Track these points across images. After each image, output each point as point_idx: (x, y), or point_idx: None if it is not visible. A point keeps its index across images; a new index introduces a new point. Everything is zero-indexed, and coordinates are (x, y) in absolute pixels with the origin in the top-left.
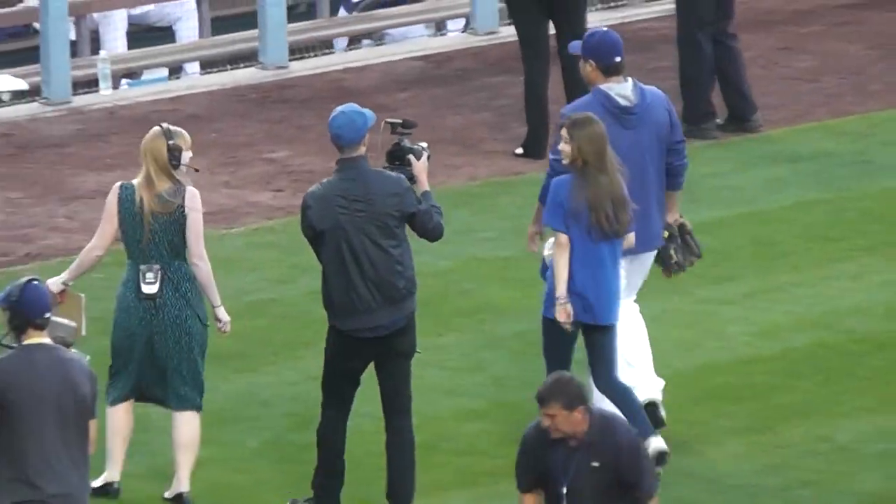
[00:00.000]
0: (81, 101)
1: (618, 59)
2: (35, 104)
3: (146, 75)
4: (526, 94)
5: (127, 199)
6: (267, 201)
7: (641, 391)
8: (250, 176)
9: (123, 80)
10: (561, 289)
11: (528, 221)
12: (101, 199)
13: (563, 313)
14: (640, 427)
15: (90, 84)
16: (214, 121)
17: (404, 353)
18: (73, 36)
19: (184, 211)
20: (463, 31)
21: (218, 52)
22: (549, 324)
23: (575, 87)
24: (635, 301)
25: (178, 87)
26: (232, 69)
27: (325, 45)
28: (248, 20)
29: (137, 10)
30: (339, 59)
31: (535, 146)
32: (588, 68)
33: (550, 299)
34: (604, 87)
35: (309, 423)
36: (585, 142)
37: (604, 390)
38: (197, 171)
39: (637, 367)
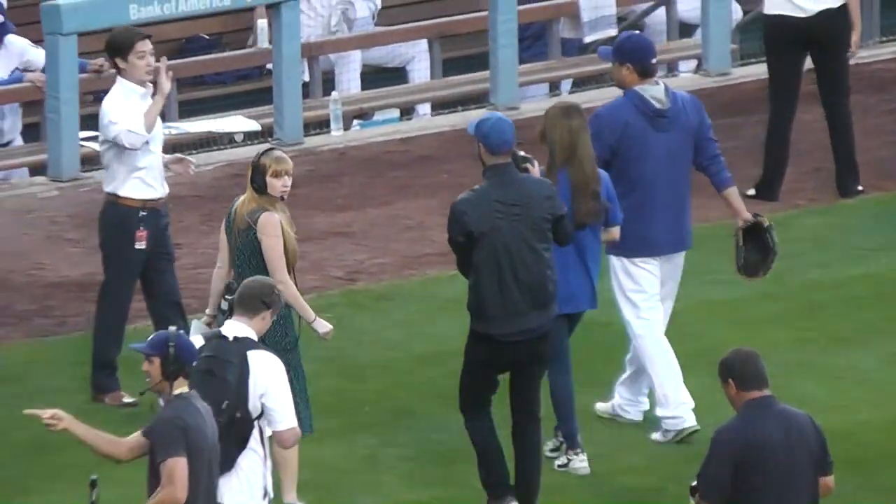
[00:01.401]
0: (313, 141)
1: (654, 60)
2: (267, 145)
3: (377, 116)
4: (768, 133)
5: (230, 214)
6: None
7: (686, 420)
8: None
9: (355, 121)
10: None
11: None
12: (332, 239)
13: None
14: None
15: (321, 125)
16: (445, 162)
17: (544, 359)
18: (305, 77)
19: (257, 235)
20: (695, 73)
21: (449, 92)
22: None
23: (840, 130)
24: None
25: (410, 128)
26: (463, 110)
27: (555, 86)
28: (480, 61)
29: (370, 52)
30: (574, 100)
31: (768, 188)
32: (624, 71)
33: None
34: (637, 88)
35: None
36: (551, 132)
37: (558, 381)
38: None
39: (672, 399)
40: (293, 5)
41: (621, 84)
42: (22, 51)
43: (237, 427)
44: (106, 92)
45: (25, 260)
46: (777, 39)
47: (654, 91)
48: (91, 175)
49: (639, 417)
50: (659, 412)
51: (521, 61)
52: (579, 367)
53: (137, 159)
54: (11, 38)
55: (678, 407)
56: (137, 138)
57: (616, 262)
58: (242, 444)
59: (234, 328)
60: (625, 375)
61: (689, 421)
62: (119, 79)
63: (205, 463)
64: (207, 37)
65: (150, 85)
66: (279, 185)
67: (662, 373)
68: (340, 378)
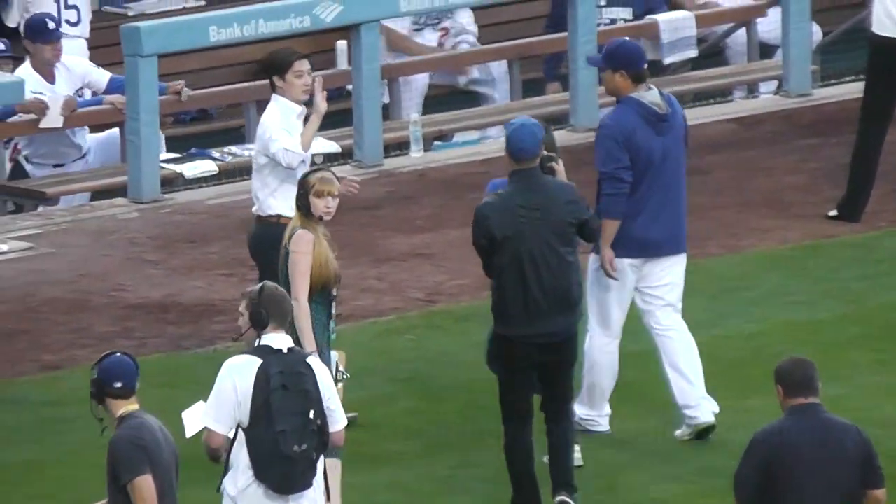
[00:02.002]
0: (392, 163)
1: (645, 65)
2: (347, 166)
3: (457, 138)
4: (855, 154)
5: None
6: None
7: (702, 412)
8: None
9: (434, 143)
10: None
11: (840, 284)
12: (411, 261)
13: None
14: None
15: (401, 146)
16: None
17: (570, 362)
18: (385, 98)
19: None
20: (775, 94)
21: (528, 114)
22: None
23: None
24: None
25: (489, 149)
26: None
27: None
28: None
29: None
30: None
31: (851, 209)
32: (617, 78)
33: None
34: (634, 95)
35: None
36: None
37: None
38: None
39: (695, 385)
40: (372, 27)
41: (616, 91)
42: (85, 73)
43: (321, 434)
44: (184, 114)
45: (106, 281)
46: (882, 61)
47: (651, 96)
48: (171, 196)
49: (709, 418)
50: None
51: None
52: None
53: (293, 178)
54: (75, 61)
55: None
56: (294, 157)
57: (595, 260)
58: (324, 449)
59: (281, 340)
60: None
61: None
62: (275, 96)
63: (165, 479)
64: None
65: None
66: (322, 205)
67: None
68: (419, 399)
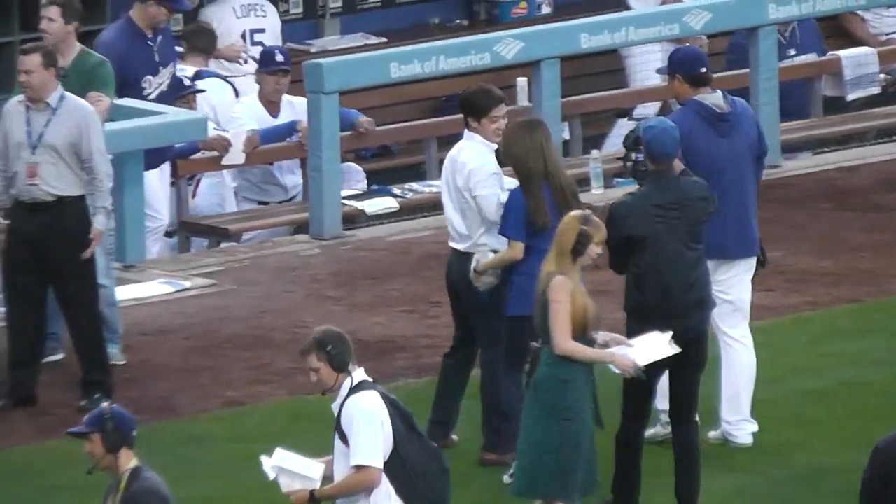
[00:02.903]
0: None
1: (703, 69)
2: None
3: None
4: None
5: None
6: (757, 301)
7: (742, 433)
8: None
9: (615, 179)
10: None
11: None
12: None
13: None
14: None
15: (581, 183)
16: None
17: (700, 363)
18: (566, 135)
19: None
20: None
21: None
22: (515, 322)
23: None
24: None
25: None
26: None
27: (819, 144)
28: None
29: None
30: (834, 158)
31: None
32: (676, 83)
33: (518, 298)
34: (696, 97)
35: None
36: (510, 147)
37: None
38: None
39: (743, 403)
40: (553, 63)
41: (678, 96)
42: (305, 111)
43: None
44: (364, 150)
45: (287, 318)
46: None
47: (713, 98)
48: (353, 233)
49: (747, 440)
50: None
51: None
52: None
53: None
54: (301, 99)
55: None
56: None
57: None
58: None
59: (365, 374)
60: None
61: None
62: (470, 133)
63: None
64: None
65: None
66: (595, 252)
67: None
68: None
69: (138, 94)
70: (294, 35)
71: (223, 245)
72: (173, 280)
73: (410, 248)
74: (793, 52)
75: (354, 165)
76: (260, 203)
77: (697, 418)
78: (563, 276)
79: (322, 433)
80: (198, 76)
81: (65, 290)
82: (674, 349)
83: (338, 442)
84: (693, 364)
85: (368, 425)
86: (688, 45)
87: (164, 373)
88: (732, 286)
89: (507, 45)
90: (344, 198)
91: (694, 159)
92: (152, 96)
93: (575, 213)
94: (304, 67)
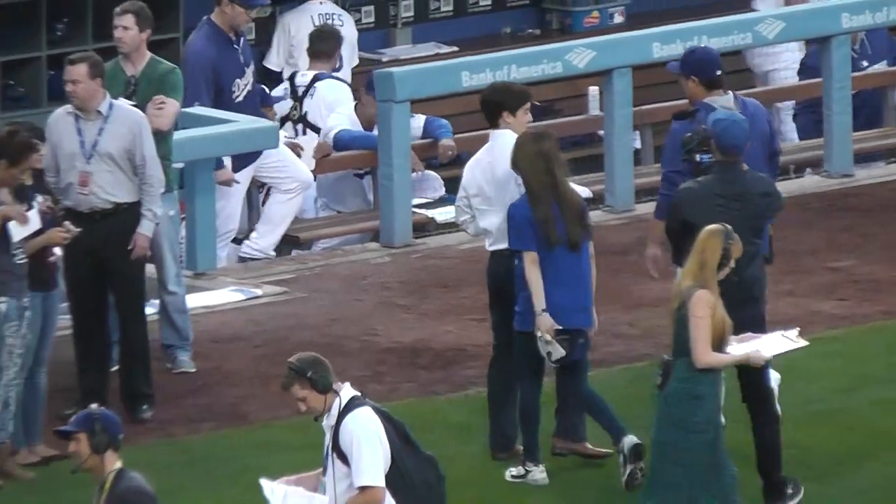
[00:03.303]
0: (644, 209)
1: (718, 72)
2: (599, 212)
3: None
4: None
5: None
6: (830, 310)
7: None
8: (814, 285)
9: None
10: (539, 302)
11: None
12: (664, 306)
13: (544, 325)
14: (613, 430)
15: (652, 192)
16: (778, 228)
17: None
18: (637, 144)
19: (687, 311)
20: None
21: (785, 159)
22: (524, 337)
23: None
24: None
25: None
26: (796, 177)
27: (892, 154)
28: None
29: None
30: None
31: None
32: (690, 84)
33: (526, 313)
34: (707, 100)
35: None
36: (520, 159)
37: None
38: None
39: None
40: (625, 72)
41: (690, 98)
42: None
43: None
44: (434, 158)
45: (358, 326)
46: None
47: (723, 101)
48: (423, 241)
49: None
50: None
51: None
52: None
53: None
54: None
55: None
56: None
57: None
58: None
59: (352, 389)
60: None
61: None
62: (501, 131)
63: None
64: (539, 104)
65: None
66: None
67: None
68: None
69: (228, 97)
70: (366, 44)
71: (294, 253)
72: (244, 288)
73: (480, 257)
74: (865, 63)
75: (432, 173)
76: (339, 213)
77: (779, 410)
78: (705, 290)
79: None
80: (316, 79)
81: (119, 298)
82: (800, 342)
83: (337, 463)
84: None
85: (369, 444)
86: (703, 46)
87: (235, 380)
88: None
89: (579, 54)
90: (414, 206)
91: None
92: (240, 98)
93: (716, 228)
94: (376, 76)
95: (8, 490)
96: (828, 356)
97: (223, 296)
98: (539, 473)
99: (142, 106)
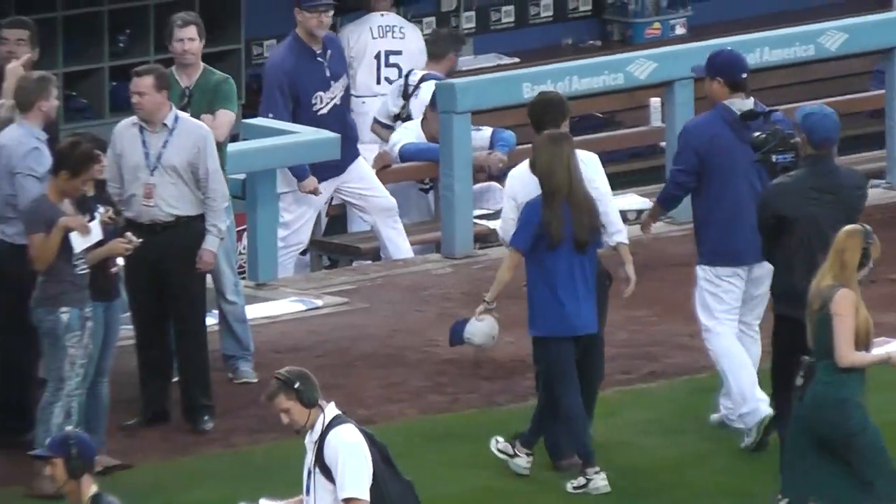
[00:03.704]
0: None
1: (744, 75)
2: (660, 224)
3: None
4: None
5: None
6: (893, 322)
7: (762, 410)
8: (876, 296)
9: None
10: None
11: None
12: None
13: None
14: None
15: None
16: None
17: None
18: None
19: (829, 311)
20: None
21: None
22: (544, 343)
23: None
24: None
25: None
26: None
27: None
28: (877, 140)
29: None
30: None
31: None
32: (715, 85)
33: (535, 317)
34: (726, 102)
35: None
36: (538, 160)
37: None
38: None
39: (748, 395)
40: (686, 84)
41: (712, 98)
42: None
43: None
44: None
45: (419, 337)
46: None
47: (742, 105)
48: (485, 252)
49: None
50: (739, 410)
51: None
52: None
53: None
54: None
55: (754, 402)
56: None
57: (700, 272)
58: None
59: (336, 409)
60: (724, 388)
61: (765, 410)
62: None
63: None
64: (600, 115)
65: None
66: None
67: (736, 373)
68: (733, 457)
69: (309, 111)
70: None
71: (355, 264)
72: (305, 298)
73: None
74: None
75: (496, 184)
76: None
77: None
78: (847, 289)
79: (453, 452)
80: (423, 79)
81: (179, 310)
82: None
83: (320, 478)
84: None
85: (354, 458)
86: (729, 49)
87: None
88: (764, 284)
89: (641, 65)
90: (476, 217)
91: (715, 162)
92: (324, 111)
93: (855, 228)
94: (437, 87)
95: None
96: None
97: (284, 306)
98: (601, 481)
99: (196, 117)
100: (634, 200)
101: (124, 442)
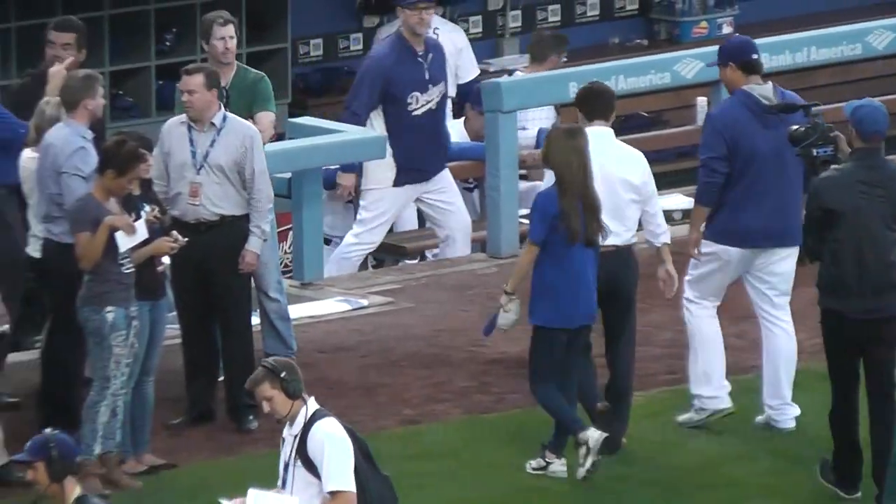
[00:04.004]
0: None
1: (754, 55)
2: None
3: None
4: None
5: None
6: None
7: (724, 401)
8: None
9: None
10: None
11: None
12: None
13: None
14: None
15: None
16: None
17: (892, 342)
18: None
19: None
20: None
21: None
22: (544, 332)
23: None
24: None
25: None
26: None
27: None
28: None
29: None
30: None
31: None
32: (729, 72)
33: (545, 307)
34: (746, 88)
35: None
36: (554, 154)
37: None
38: None
39: (784, 385)
40: None
41: (730, 85)
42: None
43: None
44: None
45: (464, 336)
46: None
47: (762, 90)
48: None
49: (790, 425)
50: (696, 390)
51: None
52: None
53: None
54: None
55: (719, 388)
56: None
57: (705, 246)
58: None
59: (316, 404)
60: (766, 389)
61: (726, 402)
62: (607, 129)
63: None
64: (646, 114)
65: None
66: None
67: (708, 353)
68: (779, 458)
69: (403, 109)
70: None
71: (401, 264)
72: (351, 298)
73: None
74: None
75: (541, 184)
76: None
77: None
78: None
79: (493, 453)
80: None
81: (223, 310)
82: None
83: (300, 471)
84: (889, 343)
85: (339, 450)
86: (737, 35)
87: (340, 390)
88: (776, 274)
89: (688, 64)
90: (521, 216)
91: (736, 148)
92: (418, 112)
93: None
94: (483, 87)
95: (116, 499)
96: None
97: (329, 306)
98: (559, 466)
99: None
100: (680, 200)
101: (169, 441)
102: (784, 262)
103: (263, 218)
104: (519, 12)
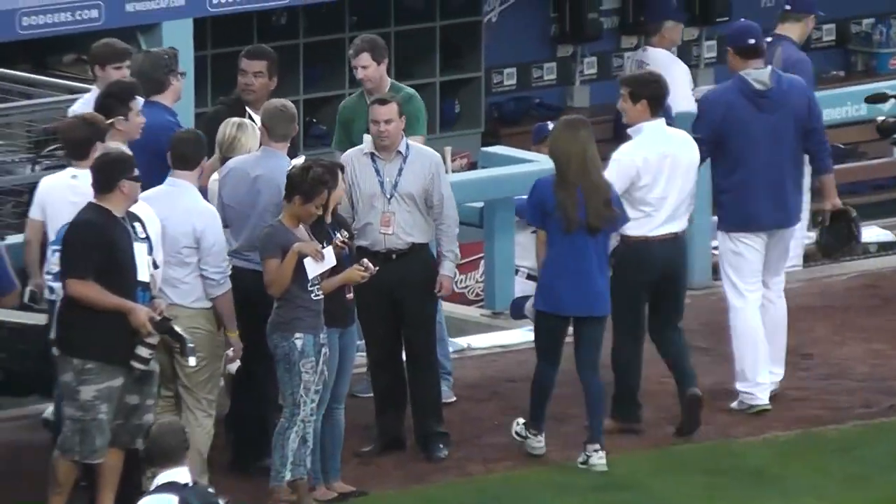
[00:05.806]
0: None
1: (752, 40)
2: None
3: None
4: None
5: None
6: None
7: (759, 399)
8: None
9: None
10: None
11: None
12: None
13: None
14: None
15: None
16: None
17: None
18: None
19: None
20: None
21: None
22: (540, 316)
23: None
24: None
25: None
26: None
27: None
28: None
29: None
30: None
31: None
32: (729, 57)
33: (542, 292)
34: (743, 73)
35: None
36: (555, 144)
37: (583, 381)
38: None
39: (749, 376)
40: None
41: (732, 70)
42: None
43: None
44: None
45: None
46: None
47: (759, 74)
48: (719, 283)
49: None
50: (737, 385)
51: None
52: None
53: None
54: None
55: (755, 386)
56: None
57: (721, 238)
58: None
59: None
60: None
61: (762, 400)
62: (660, 122)
63: None
64: (843, 146)
65: None
66: None
67: (745, 350)
68: None
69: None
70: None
71: None
72: None
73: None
74: None
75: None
76: None
77: None
78: None
79: (689, 483)
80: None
81: (412, 338)
82: None
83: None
84: None
85: None
86: (741, 20)
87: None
88: (773, 252)
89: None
90: (714, 248)
91: (731, 131)
92: None
93: None
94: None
95: None
96: None
97: (519, 335)
98: (537, 443)
99: None
100: (877, 232)
101: (359, 469)
102: (781, 242)
103: (453, 242)
104: (714, 42)
